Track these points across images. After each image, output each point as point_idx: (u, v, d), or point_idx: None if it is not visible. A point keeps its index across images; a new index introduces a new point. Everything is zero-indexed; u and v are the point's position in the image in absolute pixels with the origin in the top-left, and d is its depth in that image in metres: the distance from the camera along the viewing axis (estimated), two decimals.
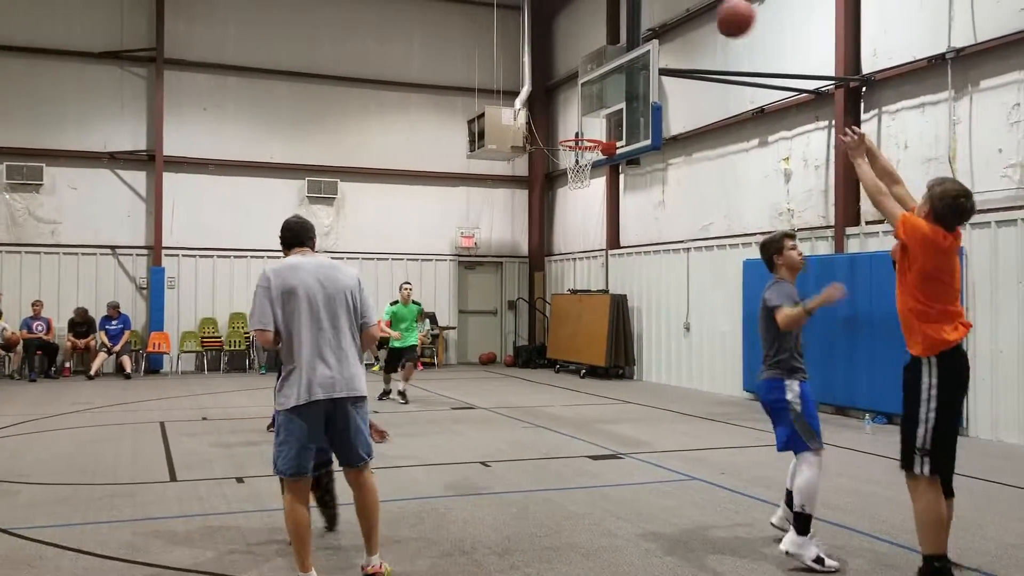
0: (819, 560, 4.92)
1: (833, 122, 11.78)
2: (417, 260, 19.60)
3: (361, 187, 19.21)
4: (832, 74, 11.59)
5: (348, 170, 19.00)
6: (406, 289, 12.86)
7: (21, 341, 15.78)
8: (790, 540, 5.03)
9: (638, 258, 16.45)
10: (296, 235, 5.02)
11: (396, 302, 12.88)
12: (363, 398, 4.77)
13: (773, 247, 5.50)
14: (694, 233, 14.78)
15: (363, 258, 19.04)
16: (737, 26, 8.88)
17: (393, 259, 19.32)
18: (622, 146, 11.84)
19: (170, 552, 5.24)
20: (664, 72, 11.67)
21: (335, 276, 4.79)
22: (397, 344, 12.59)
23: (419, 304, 13.14)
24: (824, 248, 11.96)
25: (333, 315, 4.70)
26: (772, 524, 5.68)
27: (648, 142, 11.19)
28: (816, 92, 11.95)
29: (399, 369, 12.62)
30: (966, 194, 4.49)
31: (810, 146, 12.33)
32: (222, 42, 18.18)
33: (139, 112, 17.67)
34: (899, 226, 4.49)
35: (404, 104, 19.57)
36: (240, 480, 7.30)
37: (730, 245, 13.78)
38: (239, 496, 6.79)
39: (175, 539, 5.52)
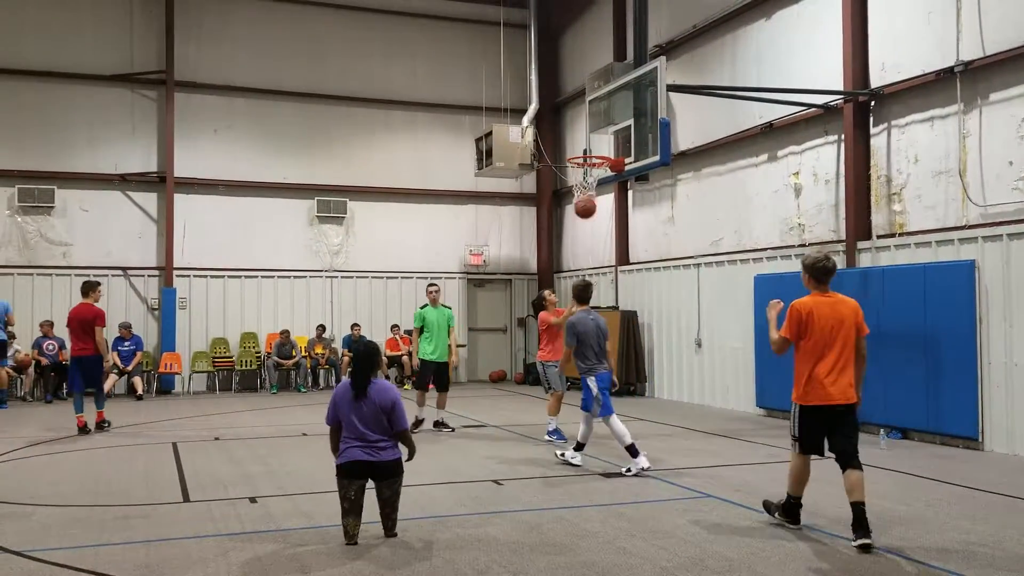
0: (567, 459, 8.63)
1: (843, 136, 11.78)
2: (426, 278, 19.57)
3: (370, 206, 19.28)
4: (841, 88, 11.60)
5: (357, 189, 19.08)
6: (433, 290, 11.77)
7: (33, 362, 15.84)
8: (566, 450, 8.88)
9: (648, 274, 16.43)
10: None
11: (425, 306, 11.71)
12: None
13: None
14: (704, 249, 14.76)
15: (373, 276, 19.09)
16: (588, 213, 12.40)
17: (403, 277, 19.36)
18: (631, 162, 11.84)
19: (184, 573, 5.22)
20: (672, 88, 11.68)
21: None
22: (429, 355, 11.36)
23: (450, 308, 12.03)
24: (835, 262, 11.90)
25: None
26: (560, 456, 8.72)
27: (657, 158, 11.18)
28: (825, 107, 11.96)
29: (429, 388, 11.47)
30: (825, 257, 6.49)
31: (820, 160, 12.32)
32: (231, 64, 18.32)
33: (150, 134, 17.80)
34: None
35: (411, 123, 19.66)
36: (253, 500, 7.28)
37: (740, 260, 13.76)
38: (252, 516, 6.77)
39: (189, 560, 5.51)
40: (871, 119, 11.47)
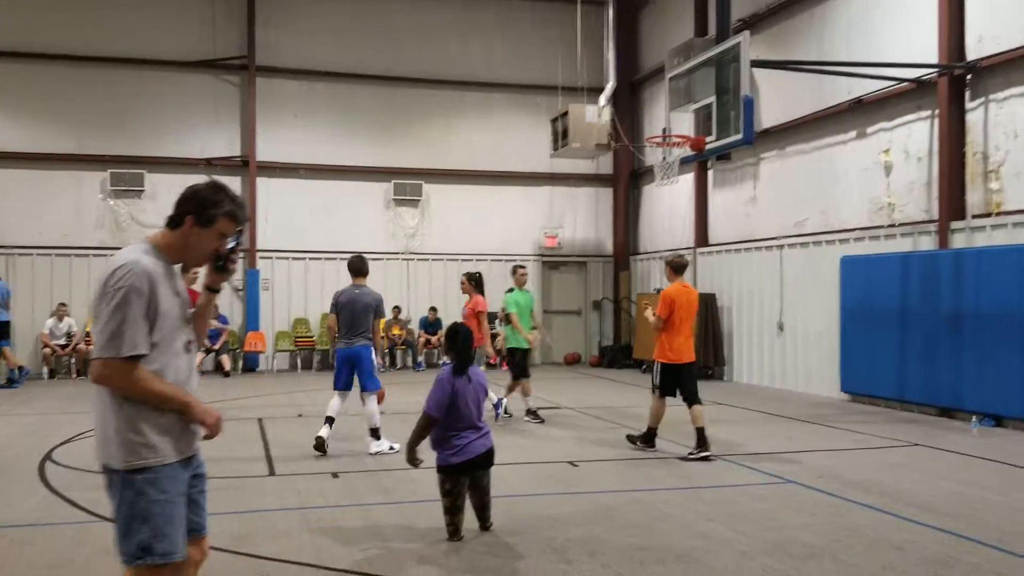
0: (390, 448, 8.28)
1: (937, 111, 11.30)
2: (501, 260, 19.62)
3: (445, 188, 19.39)
4: (935, 61, 11.12)
5: (432, 172, 19.20)
6: (522, 272, 11.20)
7: None
8: (373, 445, 8.42)
9: (728, 256, 16.12)
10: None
11: (512, 289, 11.11)
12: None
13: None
14: (787, 230, 14.39)
15: (448, 259, 19.21)
16: None
17: (477, 259, 19.41)
18: (712, 141, 11.58)
19: (272, 543, 5.36)
20: (756, 64, 11.37)
21: None
22: (523, 343, 10.77)
23: (530, 292, 11.45)
24: (927, 244, 11.48)
25: None
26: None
27: (739, 136, 10.92)
28: (918, 81, 11.48)
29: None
30: (681, 256, 8.78)
31: (912, 137, 11.85)
32: (311, 49, 18.60)
33: (232, 119, 18.24)
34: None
35: (487, 104, 19.66)
36: (335, 475, 7.43)
37: (826, 242, 13.36)
38: (335, 491, 6.91)
39: (276, 531, 5.65)
40: (967, 93, 10.96)
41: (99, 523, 5.88)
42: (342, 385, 8.62)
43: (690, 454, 8.19)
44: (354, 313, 8.53)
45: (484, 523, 5.69)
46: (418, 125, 19.25)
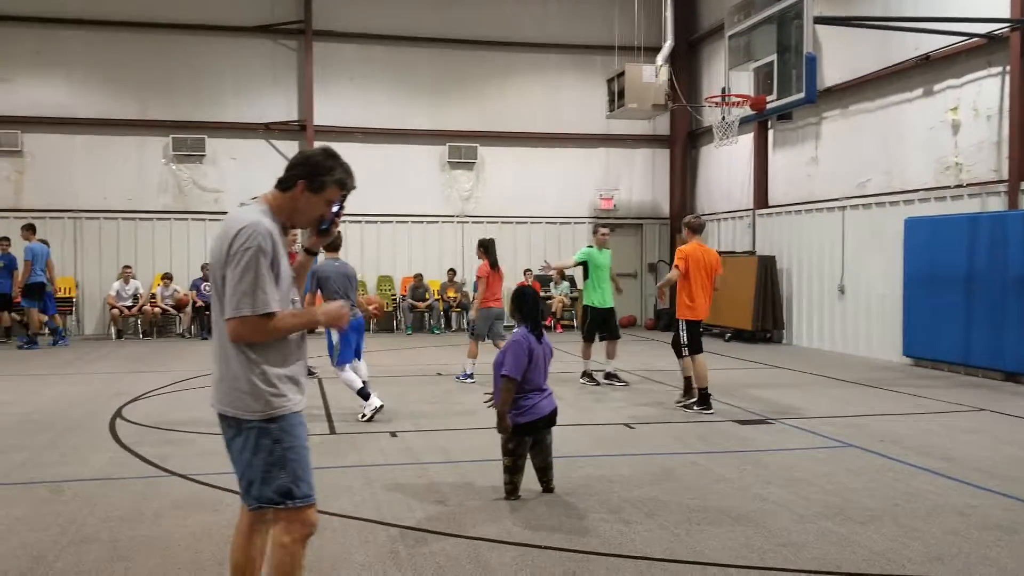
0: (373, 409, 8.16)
1: (1008, 68, 10.86)
2: (555, 223, 19.61)
3: (500, 151, 19.34)
4: (1007, 16, 10.67)
5: (487, 134, 19.15)
6: (604, 232, 10.89)
7: (191, 302, 16.91)
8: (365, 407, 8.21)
9: (788, 218, 15.82)
10: None
11: (591, 246, 10.79)
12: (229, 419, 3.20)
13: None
14: (850, 191, 14.05)
15: (502, 222, 19.21)
16: None
17: (532, 222, 19.40)
18: (772, 100, 11.33)
19: (335, 501, 5.48)
20: (819, 20, 11.02)
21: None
22: (597, 303, 10.58)
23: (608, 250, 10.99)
24: (996, 204, 11.12)
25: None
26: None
27: (801, 95, 10.66)
28: (989, 36, 11.04)
29: (597, 340, 10.69)
30: (698, 216, 9.21)
31: (981, 95, 11.42)
32: (367, 12, 18.59)
33: (290, 83, 18.39)
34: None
35: (542, 65, 19.48)
36: (393, 435, 7.57)
37: (890, 203, 13.02)
38: (393, 449, 7.04)
39: (338, 488, 5.78)
40: None
41: (167, 477, 6.09)
42: (353, 355, 8.69)
43: (686, 404, 8.86)
44: (348, 285, 8.72)
45: (546, 485, 5.71)
46: (473, 87, 19.18)
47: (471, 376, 10.71)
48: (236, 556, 3.42)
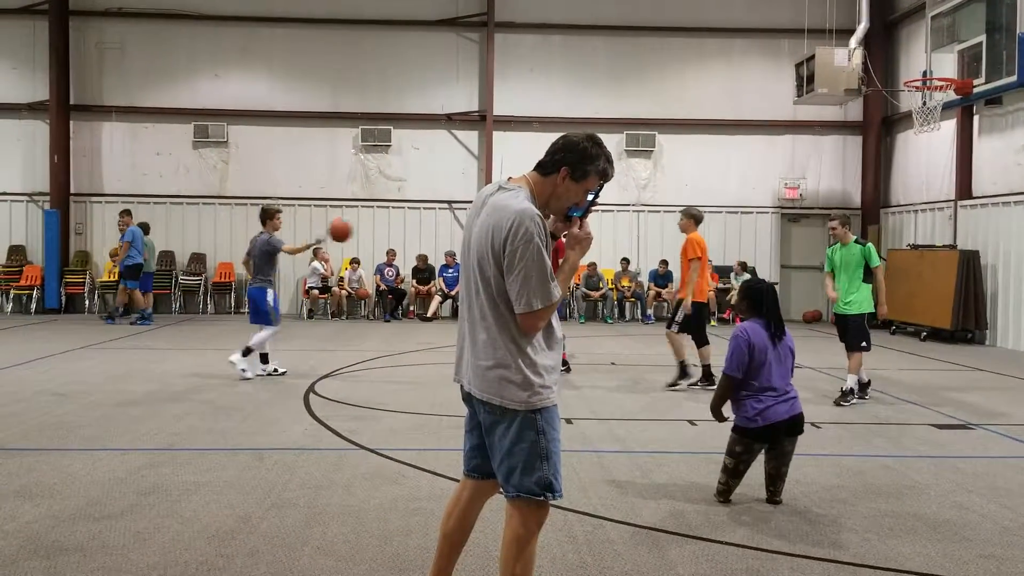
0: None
1: None
2: (736, 213, 19.04)
3: (679, 139, 18.99)
4: None
5: (666, 122, 18.84)
6: (832, 227, 8.93)
7: (369, 295, 17.89)
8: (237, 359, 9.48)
9: (995, 210, 14.59)
10: None
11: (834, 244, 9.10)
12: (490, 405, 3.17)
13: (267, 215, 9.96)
14: None
15: (680, 211, 18.81)
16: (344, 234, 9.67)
17: (711, 212, 18.86)
18: (980, 84, 10.54)
19: None
20: None
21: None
22: (836, 309, 9.06)
23: (864, 245, 8.87)
24: None
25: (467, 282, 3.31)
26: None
27: (1014, 79, 9.91)
28: None
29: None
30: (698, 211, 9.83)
31: None
32: (546, 2, 18.74)
33: (471, 75, 18.84)
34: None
35: (726, 51, 18.93)
36: (569, 421, 7.61)
37: None
38: (568, 435, 7.06)
39: None
40: None
41: (356, 451, 6.42)
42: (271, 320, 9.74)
43: (682, 384, 9.30)
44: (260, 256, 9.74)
45: (771, 495, 5.24)
46: (652, 74, 18.93)
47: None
48: (450, 525, 3.44)
